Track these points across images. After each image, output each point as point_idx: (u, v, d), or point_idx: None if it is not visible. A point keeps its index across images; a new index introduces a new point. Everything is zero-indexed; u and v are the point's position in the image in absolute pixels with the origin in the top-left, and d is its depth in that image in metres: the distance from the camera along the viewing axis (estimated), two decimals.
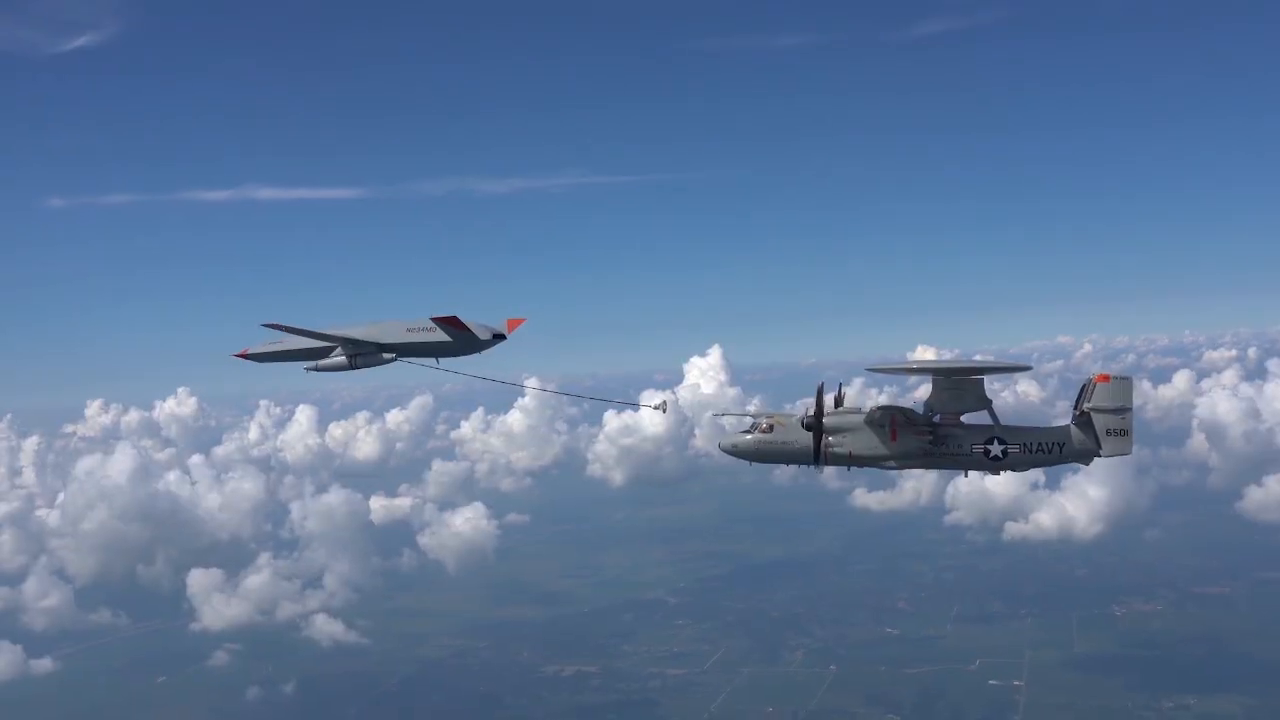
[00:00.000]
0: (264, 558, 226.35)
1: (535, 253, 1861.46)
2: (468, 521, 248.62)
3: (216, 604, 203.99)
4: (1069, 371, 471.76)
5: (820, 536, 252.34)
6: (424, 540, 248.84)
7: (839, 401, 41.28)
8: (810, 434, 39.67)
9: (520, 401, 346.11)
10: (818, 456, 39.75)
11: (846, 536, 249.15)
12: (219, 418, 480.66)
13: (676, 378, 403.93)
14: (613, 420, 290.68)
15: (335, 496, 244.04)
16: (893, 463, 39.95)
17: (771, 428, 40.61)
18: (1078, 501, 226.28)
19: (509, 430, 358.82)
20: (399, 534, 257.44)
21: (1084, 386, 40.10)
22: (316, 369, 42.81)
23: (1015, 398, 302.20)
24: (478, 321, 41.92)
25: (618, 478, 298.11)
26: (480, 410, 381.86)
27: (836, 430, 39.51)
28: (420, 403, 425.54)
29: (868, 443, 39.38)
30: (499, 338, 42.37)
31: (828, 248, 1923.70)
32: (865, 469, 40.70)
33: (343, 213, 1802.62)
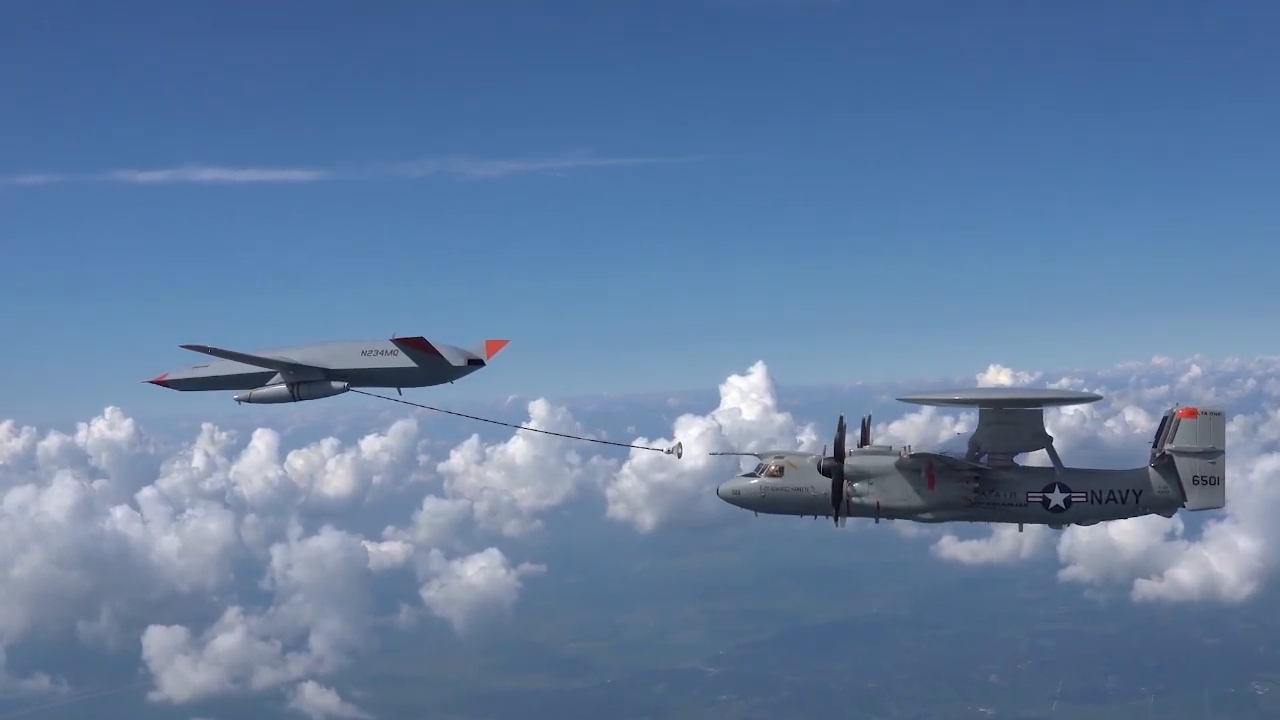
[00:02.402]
0: (232, 613, 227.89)
1: (534, 249, 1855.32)
2: (481, 572, 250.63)
3: (180, 669, 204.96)
4: (1176, 398, 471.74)
5: (887, 594, 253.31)
6: (429, 594, 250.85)
7: (865, 438, 40.66)
8: (829, 479, 39.13)
9: (525, 426, 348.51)
10: (837, 507, 39.17)
11: (920, 594, 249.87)
12: (156, 444, 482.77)
13: (710, 400, 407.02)
14: (642, 451, 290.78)
15: (326, 540, 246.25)
16: (929, 514, 39.44)
17: (781, 470, 39.96)
18: (1224, 555, 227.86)
19: (510, 462, 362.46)
20: (393, 586, 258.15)
21: (1164, 421, 39.59)
22: (250, 399, 42.84)
23: (1124, 429, 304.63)
24: (450, 344, 41.88)
25: (647, 520, 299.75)
26: (474, 439, 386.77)
27: (860, 475, 38.84)
28: (402, 429, 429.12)
29: (899, 491, 38.79)
30: (476, 364, 42.28)
31: (888, 248, 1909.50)
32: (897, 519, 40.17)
33: (301, 199, 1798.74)
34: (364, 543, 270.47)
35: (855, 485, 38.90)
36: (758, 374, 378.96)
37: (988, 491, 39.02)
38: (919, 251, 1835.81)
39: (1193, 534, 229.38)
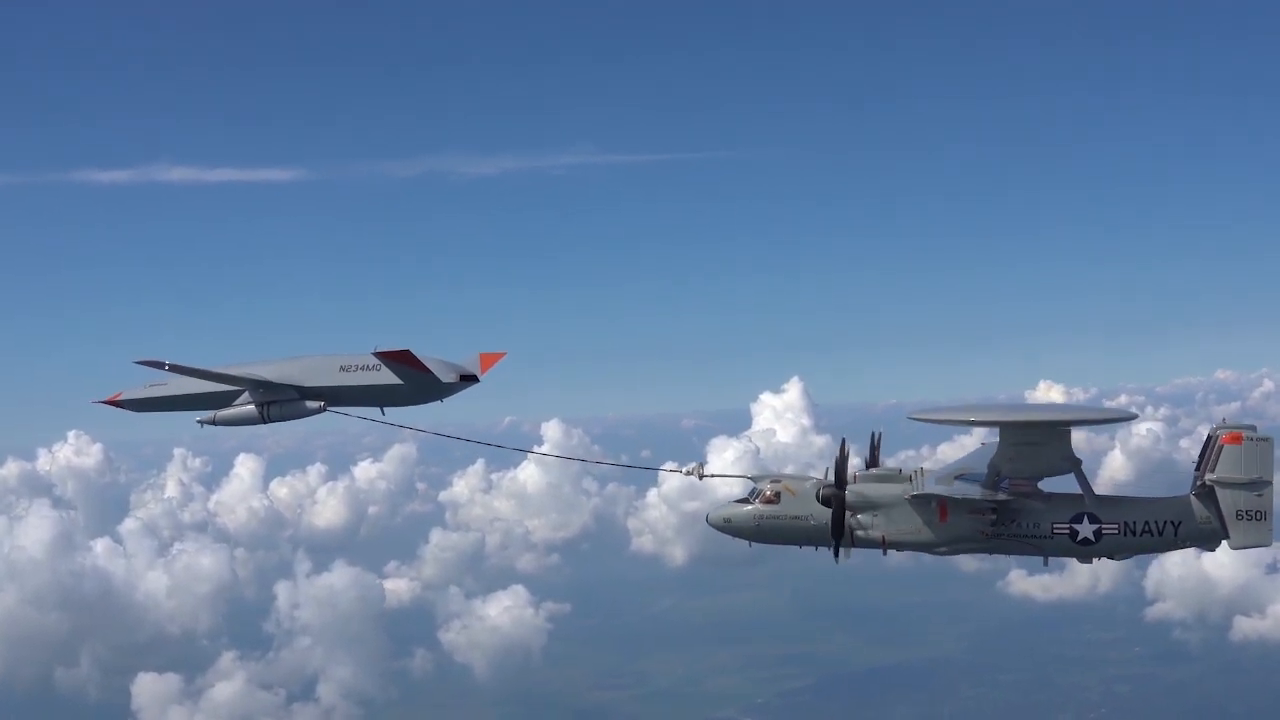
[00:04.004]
0: (228, 659, 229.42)
1: (531, 255, 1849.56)
2: (506, 612, 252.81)
3: None
4: (1249, 415, 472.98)
5: (942, 636, 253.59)
6: (449, 636, 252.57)
7: (873, 459, 40.40)
8: (829, 509, 38.79)
9: (536, 450, 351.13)
10: (839, 539, 38.90)
11: (979, 636, 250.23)
12: (126, 472, 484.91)
13: (734, 420, 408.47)
14: (672, 477, 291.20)
15: (338, 577, 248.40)
16: (942, 549, 39.32)
17: (778, 496, 39.51)
18: None
19: (521, 490, 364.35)
20: (406, 627, 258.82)
21: (1208, 442, 38.74)
22: (214, 422, 42.56)
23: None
24: (439, 358, 41.66)
25: (677, 555, 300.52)
26: (479, 464, 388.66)
27: (864, 506, 38.66)
28: (399, 454, 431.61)
29: (907, 523, 38.51)
30: (468, 379, 42.03)
31: (929, 255, 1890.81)
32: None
33: (279, 200, 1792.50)
34: (379, 580, 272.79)
35: (859, 518, 38.71)
36: (793, 391, 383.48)
37: (1008, 522, 38.76)
38: (963, 259, 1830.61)
39: None
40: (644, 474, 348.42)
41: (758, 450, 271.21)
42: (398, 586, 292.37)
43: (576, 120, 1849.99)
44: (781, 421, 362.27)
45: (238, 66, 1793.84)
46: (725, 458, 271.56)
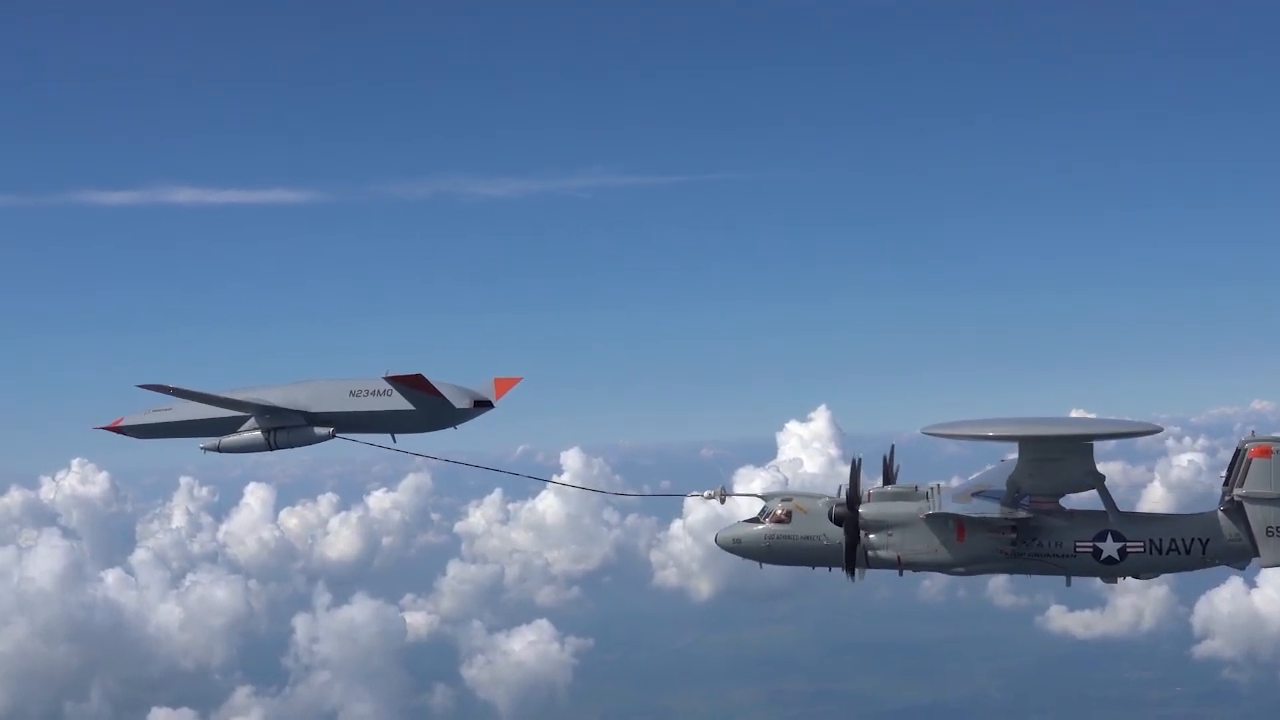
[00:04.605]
0: (243, 694, 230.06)
1: (551, 278, 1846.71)
2: (531, 647, 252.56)
3: None
4: None
5: (976, 674, 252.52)
6: (472, 672, 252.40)
7: (889, 477, 40.26)
8: (842, 529, 38.50)
9: (556, 480, 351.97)
10: (852, 559, 38.67)
11: (1016, 674, 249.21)
12: (133, 501, 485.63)
13: (757, 450, 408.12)
14: (697, 508, 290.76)
15: (359, 610, 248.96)
16: (960, 569, 39.23)
17: (789, 515, 39.11)
18: None
19: (539, 521, 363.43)
20: (426, 661, 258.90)
21: (1236, 456, 37.67)
22: (219, 449, 42.14)
23: None
24: (453, 382, 41.25)
25: (703, 588, 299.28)
26: (496, 494, 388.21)
27: (879, 525, 38.30)
28: (414, 483, 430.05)
29: (924, 544, 38.14)
30: (483, 405, 41.65)
31: (957, 279, 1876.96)
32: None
33: (287, 222, 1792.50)
34: (400, 613, 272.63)
35: (873, 538, 38.43)
36: (820, 420, 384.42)
37: (1029, 541, 38.37)
38: (994, 287, 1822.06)
39: None
40: (666, 505, 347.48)
41: (785, 481, 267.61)
42: (416, 620, 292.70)
43: (597, 140, 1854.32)
44: (809, 451, 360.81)
45: (245, 86, 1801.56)
46: (753, 489, 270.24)
